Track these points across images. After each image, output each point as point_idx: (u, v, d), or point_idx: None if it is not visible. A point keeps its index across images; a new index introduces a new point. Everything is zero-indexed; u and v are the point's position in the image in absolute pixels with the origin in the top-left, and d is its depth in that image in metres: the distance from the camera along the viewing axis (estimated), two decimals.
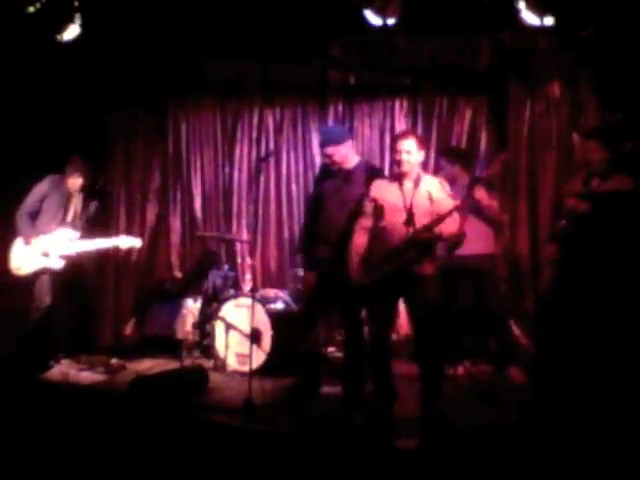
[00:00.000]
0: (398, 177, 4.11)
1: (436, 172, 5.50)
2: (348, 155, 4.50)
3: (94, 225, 5.58)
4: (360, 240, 4.13)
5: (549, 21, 4.75)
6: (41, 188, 5.38)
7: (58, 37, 5.20)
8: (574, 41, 5.20)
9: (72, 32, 5.21)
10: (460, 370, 5.08)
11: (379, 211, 4.07)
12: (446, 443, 3.72)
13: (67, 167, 5.43)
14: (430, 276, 4.02)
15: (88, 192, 5.53)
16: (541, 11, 4.71)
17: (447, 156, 5.32)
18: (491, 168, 4.75)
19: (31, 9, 5.05)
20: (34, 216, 5.36)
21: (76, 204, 5.47)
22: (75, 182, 5.42)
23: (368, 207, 4.12)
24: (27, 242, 5.29)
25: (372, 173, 4.42)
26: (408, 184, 4.07)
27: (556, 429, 3.75)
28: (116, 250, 5.52)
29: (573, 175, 4.84)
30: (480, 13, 5.08)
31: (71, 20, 5.16)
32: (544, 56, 5.46)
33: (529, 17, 4.76)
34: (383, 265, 3.98)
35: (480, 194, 4.87)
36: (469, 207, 4.62)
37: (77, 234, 5.38)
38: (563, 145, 5.45)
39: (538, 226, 5.47)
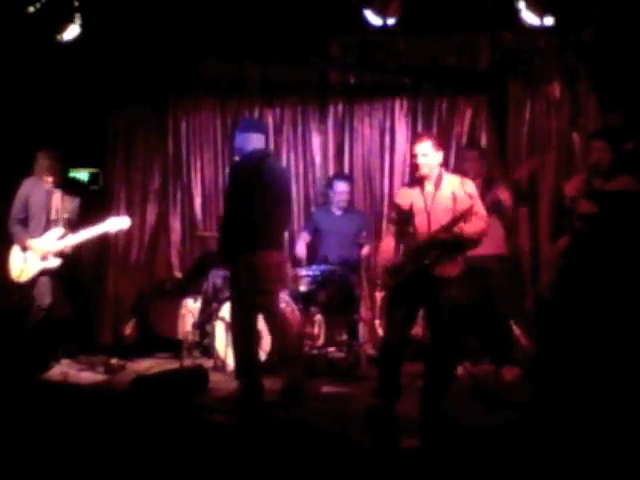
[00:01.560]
0: (419, 180, 4.09)
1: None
2: (238, 146, 4.53)
3: (88, 222, 5.55)
4: (386, 246, 4.15)
5: (549, 21, 4.75)
6: (21, 193, 5.34)
7: (58, 37, 5.19)
8: (574, 41, 5.21)
9: (72, 32, 5.20)
10: (460, 370, 5.08)
11: (405, 217, 4.06)
12: (447, 443, 3.72)
13: (34, 166, 5.40)
14: (453, 278, 3.98)
15: (66, 188, 5.49)
16: (541, 11, 4.72)
17: (480, 150, 5.39)
18: (519, 171, 4.78)
19: (31, 9, 5.04)
20: (25, 221, 5.32)
21: (56, 201, 5.42)
22: (48, 179, 5.39)
23: (392, 213, 4.16)
24: (24, 248, 5.27)
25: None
26: (429, 186, 4.05)
27: (556, 429, 3.75)
28: (106, 235, 5.48)
29: (573, 175, 4.84)
30: (480, 13, 5.09)
31: (71, 20, 5.16)
32: (544, 56, 5.47)
33: (529, 17, 4.76)
34: (405, 266, 3.99)
35: (504, 195, 4.88)
36: (490, 206, 4.70)
37: (64, 230, 5.34)
38: (563, 145, 5.46)
39: (538, 226, 5.47)
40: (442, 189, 4.03)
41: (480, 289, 5.09)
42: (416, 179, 4.14)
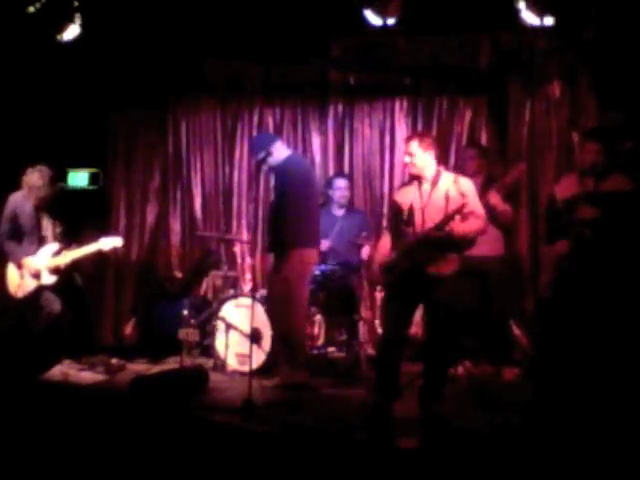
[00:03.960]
0: (417, 179, 4.12)
1: None
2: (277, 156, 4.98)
3: (89, 222, 5.50)
4: (383, 244, 4.22)
5: (549, 21, 4.76)
6: (8, 209, 5.16)
7: (58, 37, 5.20)
8: (574, 41, 5.21)
9: (72, 32, 5.21)
10: (460, 370, 5.08)
11: (402, 216, 4.08)
12: (446, 443, 3.72)
13: (23, 181, 5.16)
14: (448, 276, 3.98)
15: (53, 203, 5.22)
16: (541, 11, 4.72)
17: (479, 149, 5.44)
18: (509, 176, 4.80)
19: (31, 9, 5.05)
20: (19, 236, 5.17)
21: (47, 216, 5.23)
22: (37, 195, 5.13)
23: (390, 212, 4.21)
24: (19, 265, 5.14)
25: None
26: (426, 185, 4.08)
27: (556, 429, 3.75)
28: (101, 253, 5.32)
29: (562, 176, 4.83)
30: (480, 13, 5.09)
31: (71, 20, 5.16)
32: (544, 56, 5.47)
33: (529, 17, 4.77)
34: (398, 264, 4.01)
35: (495, 199, 4.89)
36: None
37: (59, 245, 5.20)
38: (563, 145, 5.46)
39: (538, 226, 5.47)
40: (438, 188, 4.04)
41: (479, 290, 5.09)
42: (414, 178, 4.18)
